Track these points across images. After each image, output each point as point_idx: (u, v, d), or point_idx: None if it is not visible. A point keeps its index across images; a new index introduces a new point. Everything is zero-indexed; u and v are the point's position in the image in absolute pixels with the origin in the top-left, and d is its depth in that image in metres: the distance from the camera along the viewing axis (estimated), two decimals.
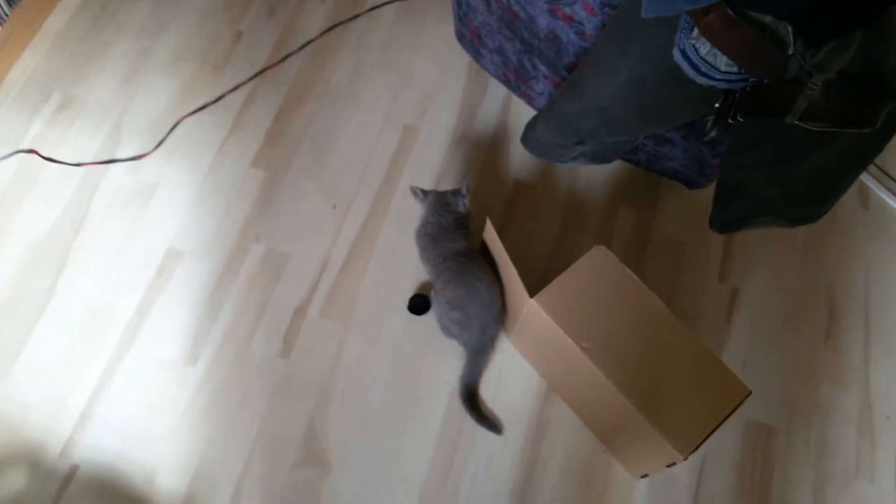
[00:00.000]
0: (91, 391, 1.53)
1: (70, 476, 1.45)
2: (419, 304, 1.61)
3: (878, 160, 1.83)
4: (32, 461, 1.46)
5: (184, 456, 1.47)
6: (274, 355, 1.57)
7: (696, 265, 1.70)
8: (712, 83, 1.00)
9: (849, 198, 1.79)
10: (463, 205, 1.58)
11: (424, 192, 1.60)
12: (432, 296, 1.57)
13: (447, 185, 1.75)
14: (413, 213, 1.71)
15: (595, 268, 1.37)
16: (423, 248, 1.58)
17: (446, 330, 1.55)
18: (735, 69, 0.96)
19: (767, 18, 0.88)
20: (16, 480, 1.44)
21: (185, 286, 1.63)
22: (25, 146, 1.77)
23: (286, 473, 1.46)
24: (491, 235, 1.45)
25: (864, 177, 1.80)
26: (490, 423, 1.50)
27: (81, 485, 1.44)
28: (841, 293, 1.69)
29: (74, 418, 1.50)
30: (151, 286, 1.63)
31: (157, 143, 1.78)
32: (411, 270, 1.66)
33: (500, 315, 1.53)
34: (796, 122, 0.97)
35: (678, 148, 1.59)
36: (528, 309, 1.36)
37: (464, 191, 1.58)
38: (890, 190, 1.79)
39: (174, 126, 1.81)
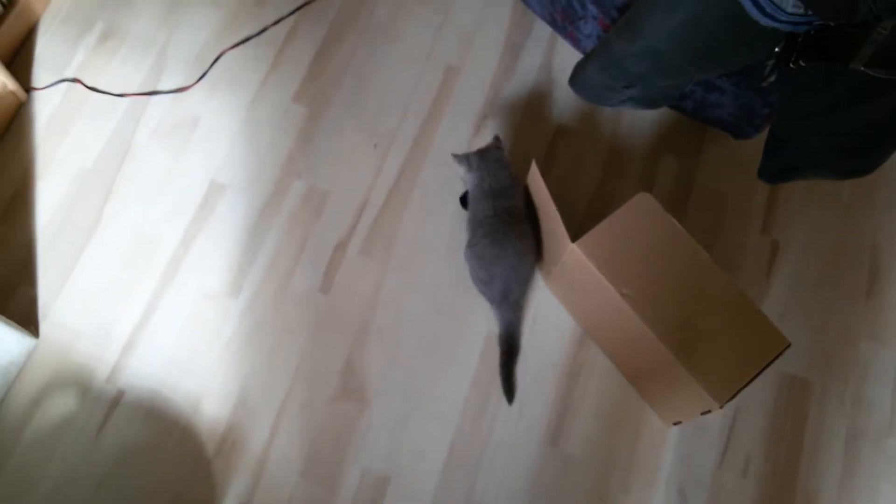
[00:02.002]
0: (136, 319, 1.56)
1: (116, 401, 1.50)
2: None
3: None
4: (80, 385, 1.51)
5: (227, 385, 1.51)
6: (314, 290, 1.59)
7: (738, 216, 1.68)
8: (776, 25, 0.97)
9: None
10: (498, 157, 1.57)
11: (467, 156, 1.56)
12: (465, 250, 1.56)
13: (489, 128, 1.74)
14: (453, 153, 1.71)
15: (638, 214, 1.36)
16: (477, 202, 1.54)
17: (475, 283, 1.56)
18: (801, 10, 0.94)
19: None
20: (65, 403, 1.49)
21: (228, 219, 1.65)
22: (70, 75, 1.78)
23: (324, 405, 1.50)
24: (535, 178, 1.44)
25: None
26: (509, 387, 1.50)
27: (127, 410, 1.49)
28: (885, 250, 1.66)
29: (120, 345, 1.54)
30: (195, 218, 1.65)
31: (199, 75, 1.78)
32: (451, 211, 1.66)
33: (527, 282, 1.54)
34: (861, 69, 0.94)
35: (728, 96, 1.55)
36: (569, 253, 1.35)
37: (502, 144, 1.58)
38: None
39: (217, 58, 1.80)
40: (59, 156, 1.70)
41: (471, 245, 1.52)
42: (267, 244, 1.62)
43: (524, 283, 1.54)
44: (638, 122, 1.75)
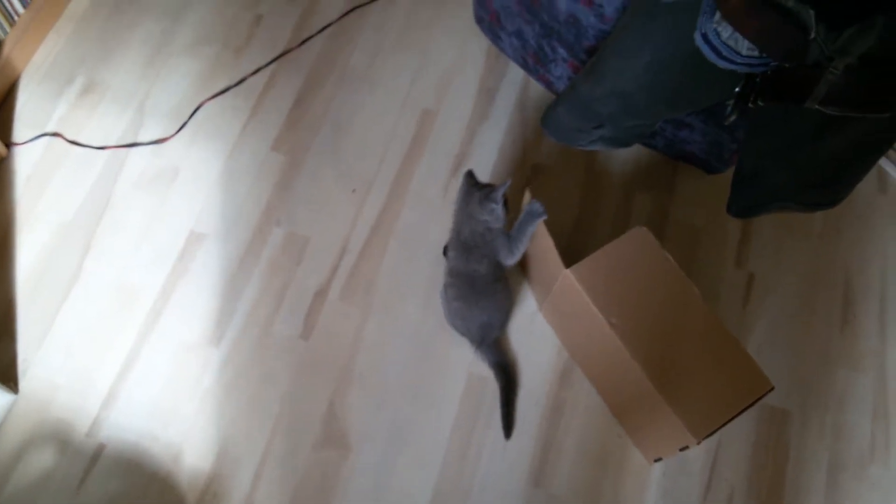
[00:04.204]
0: (117, 371, 1.56)
1: (97, 455, 1.49)
2: None
3: None
4: (60, 440, 1.50)
5: (208, 435, 1.51)
6: (295, 337, 1.59)
7: (712, 250, 1.70)
8: (733, 67, 1.01)
9: (868, 183, 1.79)
10: (490, 212, 1.44)
11: (473, 185, 1.47)
12: (441, 290, 1.57)
13: (466, 169, 1.76)
14: (432, 198, 1.73)
15: (634, 247, 1.39)
16: (451, 246, 1.52)
17: (452, 326, 1.58)
18: (756, 53, 0.97)
19: (790, 3, 0.88)
20: (44, 458, 1.48)
21: (208, 268, 1.66)
22: (51, 129, 1.80)
23: (307, 453, 1.49)
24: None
25: (882, 162, 1.79)
26: (508, 422, 1.51)
27: (108, 463, 1.48)
28: (858, 279, 1.69)
29: (101, 398, 1.54)
30: (175, 268, 1.65)
31: (179, 126, 1.80)
32: (429, 253, 1.67)
33: (503, 325, 1.57)
34: (816, 107, 0.98)
35: (697, 132, 1.59)
36: (562, 279, 1.38)
37: (498, 195, 1.43)
38: None
39: (196, 109, 1.82)
40: (40, 209, 1.71)
41: (445, 290, 1.54)
42: (247, 292, 1.63)
43: (500, 328, 1.56)
44: (612, 159, 1.78)
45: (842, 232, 1.74)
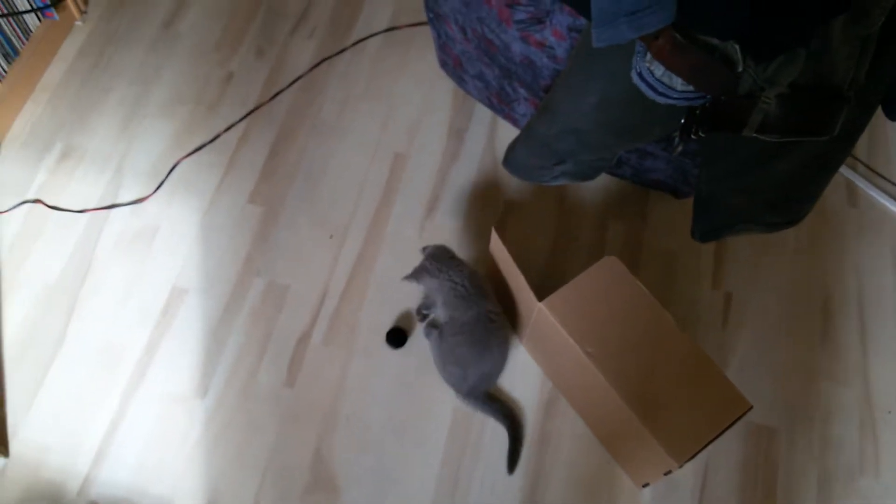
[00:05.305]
0: (105, 430, 1.57)
1: None
2: (397, 338, 1.64)
3: (864, 158, 1.85)
4: (52, 501, 1.51)
5: (197, 488, 1.52)
6: (280, 385, 1.61)
7: (688, 273, 1.72)
8: (671, 102, 1.04)
9: (838, 197, 1.81)
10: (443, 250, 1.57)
11: (423, 268, 1.55)
12: (435, 337, 1.56)
13: (440, 210, 1.80)
14: (408, 239, 1.76)
15: (605, 277, 1.41)
16: (454, 307, 1.51)
17: (441, 371, 1.58)
18: (691, 87, 1.00)
19: (714, 40, 0.91)
20: None
21: (191, 322, 1.68)
22: (31, 196, 1.83)
23: (296, 499, 1.50)
24: (497, 245, 1.48)
25: (851, 175, 1.82)
26: (514, 459, 1.53)
27: None
28: (834, 292, 1.70)
29: (90, 457, 1.55)
30: (158, 324, 1.68)
31: (157, 185, 1.84)
32: (409, 293, 1.70)
33: (496, 378, 1.57)
34: (753, 135, 1.01)
35: (661, 160, 1.62)
36: (537, 313, 1.40)
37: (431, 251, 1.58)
38: (878, 186, 1.81)
39: (173, 168, 1.86)
40: (23, 275, 1.74)
41: (446, 336, 1.52)
42: (230, 343, 1.65)
43: (493, 379, 1.57)
44: (583, 190, 1.81)
45: (816, 247, 1.76)
